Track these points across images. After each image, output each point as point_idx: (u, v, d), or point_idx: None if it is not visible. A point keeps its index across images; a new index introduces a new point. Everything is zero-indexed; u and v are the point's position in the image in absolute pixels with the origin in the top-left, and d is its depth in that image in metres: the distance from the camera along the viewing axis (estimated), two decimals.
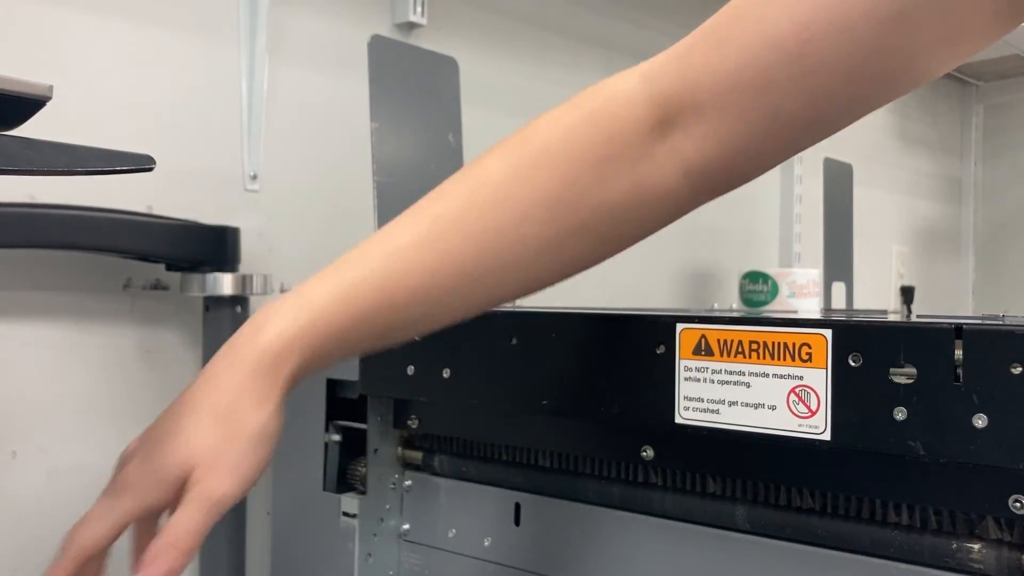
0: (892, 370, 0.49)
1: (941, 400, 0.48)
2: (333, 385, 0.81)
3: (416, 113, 0.91)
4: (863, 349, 0.51)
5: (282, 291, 1.10)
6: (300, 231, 1.13)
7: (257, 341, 0.50)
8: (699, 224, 1.72)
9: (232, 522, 0.99)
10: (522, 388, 0.66)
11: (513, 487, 0.73)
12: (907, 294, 2.39)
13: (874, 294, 2.28)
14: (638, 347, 0.60)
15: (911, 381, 0.49)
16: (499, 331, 0.68)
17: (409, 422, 0.79)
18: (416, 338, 0.58)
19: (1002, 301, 2.48)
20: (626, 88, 0.54)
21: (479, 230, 0.52)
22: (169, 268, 0.96)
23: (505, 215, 0.52)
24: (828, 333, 0.52)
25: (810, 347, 0.53)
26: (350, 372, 0.78)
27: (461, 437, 0.77)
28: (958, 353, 0.48)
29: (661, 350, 0.59)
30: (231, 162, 1.06)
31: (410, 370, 0.73)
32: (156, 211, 0.98)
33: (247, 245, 1.04)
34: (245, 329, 0.51)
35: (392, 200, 0.87)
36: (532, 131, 0.54)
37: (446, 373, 0.71)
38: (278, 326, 0.50)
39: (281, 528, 0.84)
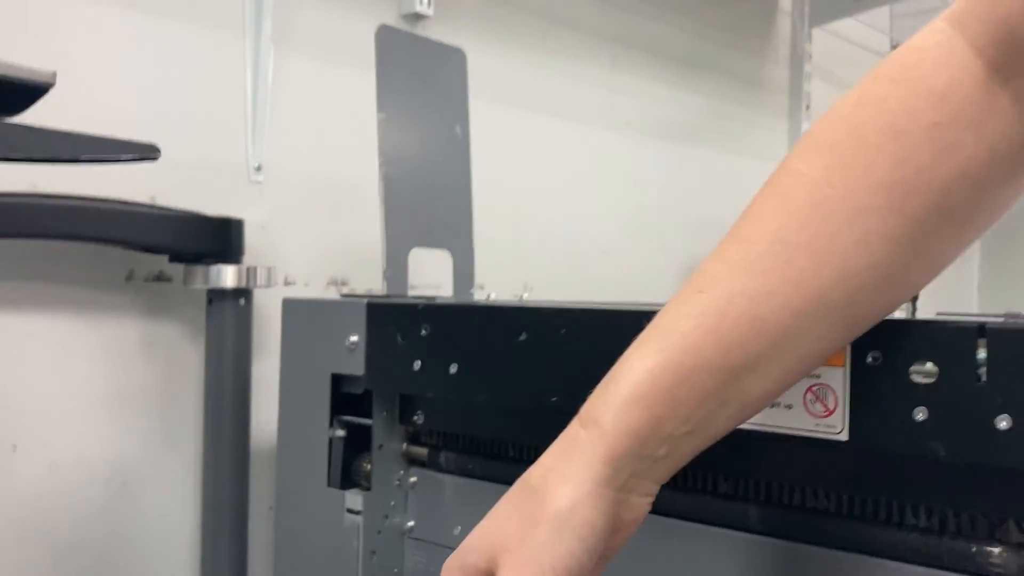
0: (912, 369, 0.48)
1: (963, 400, 0.47)
2: (338, 380, 0.80)
3: (423, 104, 0.89)
4: (882, 347, 0.50)
5: (286, 284, 1.09)
6: (305, 223, 1.12)
7: (579, 415, 0.45)
8: (702, 218, 1.71)
9: (234, 517, 0.98)
10: (531, 384, 0.65)
11: None
12: None
13: None
14: None
15: (932, 380, 0.48)
16: (507, 325, 0.67)
17: (415, 418, 0.78)
18: (765, 405, 0.48)
19: (1008, 297, 2.47)
20: (937, 41, 0.45)
21: (808, 238, 0.43)
22: (172, 260, 0.95)
23: (834, 214, 0.43)
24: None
25: None
26: (356, 367, 0.77)
27: (468, 434, 0.76)
28: (981, 352, 0.46)
29: None
30: (235, 153, 1.05)
31: (416, 365, 0.72)
32: (159, 202, 0.97)
33: (250, 237, 1.03)
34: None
35: (399, 192, 0.86)
36: (836, 117, 0.45)
37: (453, 368, 0.70)
38: (592, 400, 0.45)
39: (284, 524, 0.83)
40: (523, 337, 0.66)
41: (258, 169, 1.06)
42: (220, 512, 0.98)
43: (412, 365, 0.72)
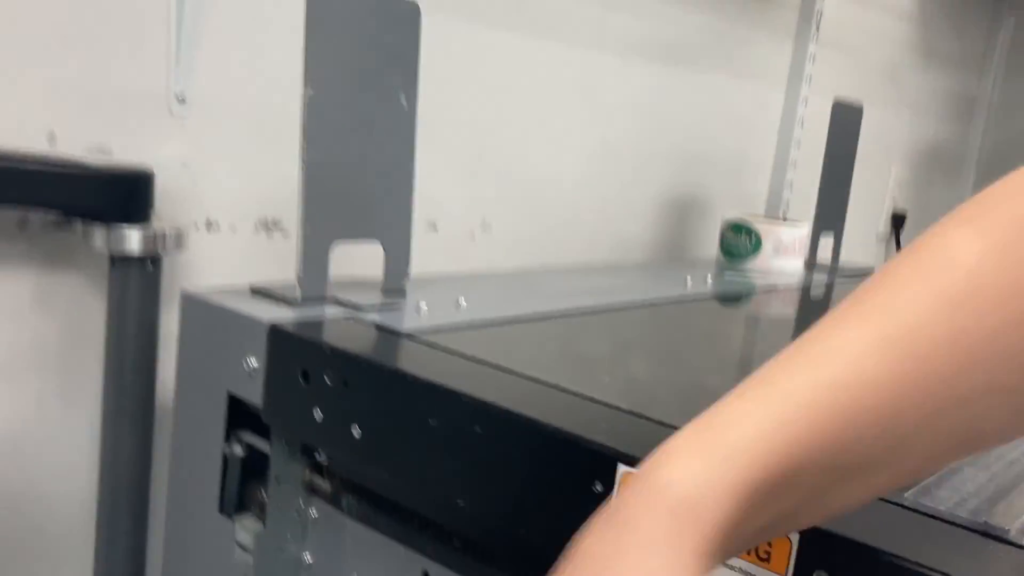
0: None
1: None
2: (237, 399, 0.71)
3: (363, 73, 0.76)
4: (832, 570, 0.42)
5: (209, 230, 0.98)
6: (232, 158, 0.99)
7: (661, 489, 0.36)
8: (689, 149, 1.59)
9: (134, 485, 0.91)
10: (437, 478, 0.57)
11: (423, 553, 0.65)
12: (897, 222, 2.29)
13: (865, 222, 2.18)
14: (573, 478, 0.50)
15: None
16: (417, 405, 0.58)
17: (317, 456, 0.70)
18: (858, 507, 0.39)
19: None
20: None
21: (955, 331, 0.37)
22: (68, 215, 0.84)
23: (991, 309, 0.37)
24: (794, 537, 0.43)
25: (769, 545, 0.44)
26: (254, 393, 0.68)
27: (372, 488, 0.68)
28: None
29: (598, 488, 0.49)
30: (155, 81, 0.92)
31: (317, 414, 0.63)
32: (59, 137, 0.85)
33: (170, 178, 0.92)
34: (644, 471, 0.36)
35: (324, 179, 0.75)
36: (1014, 186, 0.39)
37: (356, 432, 0.61)
38: (686, 468, 0.36)
39: (173, 548, 0.76)
40: (432, 423, 0.57)
41: (181, 100, 0.93)
42: (119, 479, 0.91)
43: (313, 414, 0.64)
